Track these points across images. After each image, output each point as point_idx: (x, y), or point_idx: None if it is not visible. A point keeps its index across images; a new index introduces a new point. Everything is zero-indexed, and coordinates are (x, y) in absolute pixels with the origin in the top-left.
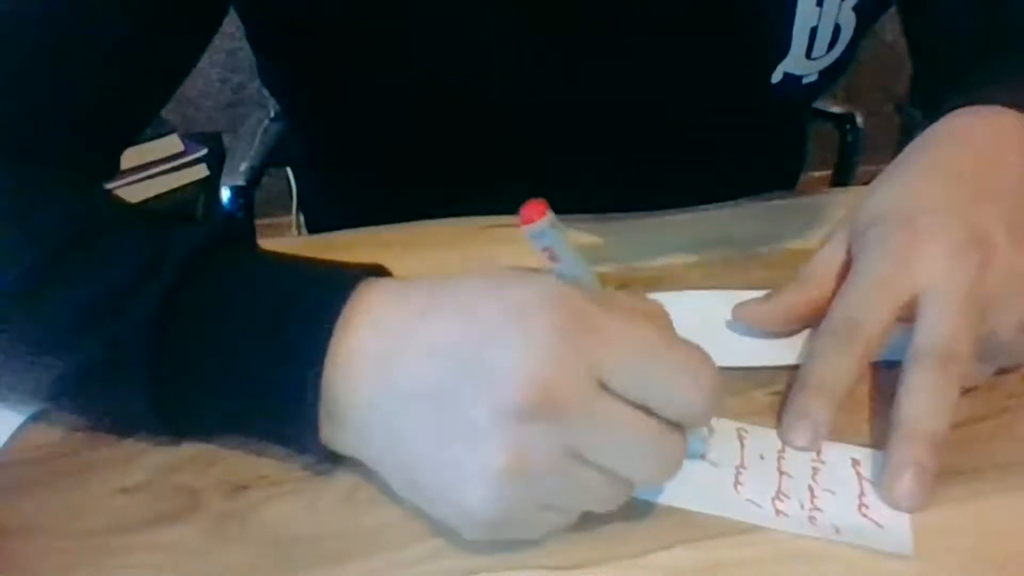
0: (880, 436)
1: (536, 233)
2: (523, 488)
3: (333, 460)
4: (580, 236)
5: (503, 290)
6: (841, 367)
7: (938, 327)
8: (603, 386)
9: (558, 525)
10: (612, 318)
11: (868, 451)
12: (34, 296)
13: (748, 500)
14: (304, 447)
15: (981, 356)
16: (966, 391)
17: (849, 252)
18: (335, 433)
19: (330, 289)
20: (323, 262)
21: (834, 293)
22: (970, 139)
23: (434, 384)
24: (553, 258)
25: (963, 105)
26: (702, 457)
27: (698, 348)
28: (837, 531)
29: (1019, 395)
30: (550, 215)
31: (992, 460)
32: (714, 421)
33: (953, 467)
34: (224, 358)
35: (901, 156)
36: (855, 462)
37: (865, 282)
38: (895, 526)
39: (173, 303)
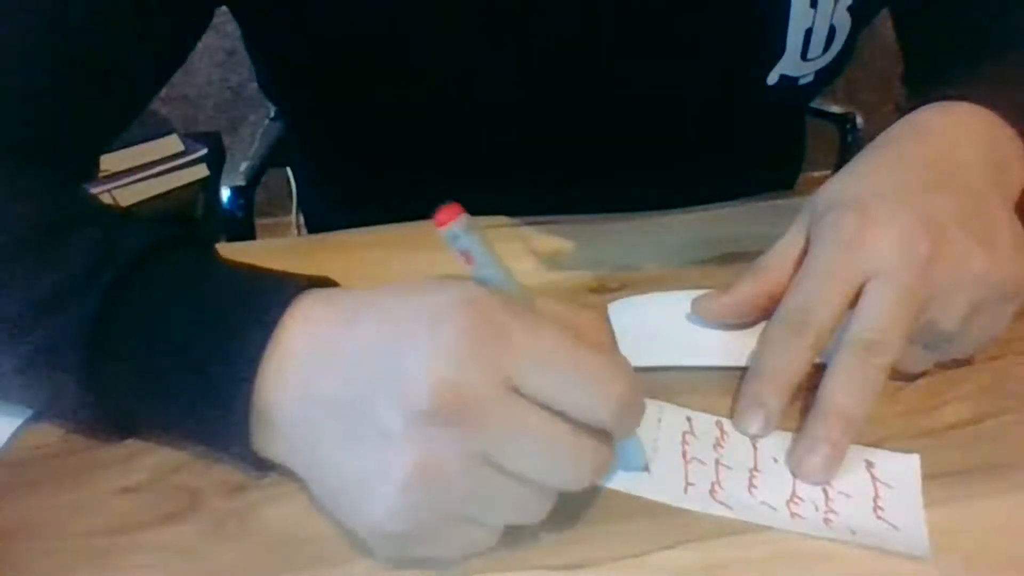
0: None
1: (450, 235)
2: (432, 496)
3: (266, 468)
4: (579, 238)
5: (420, 297)
6: (792, 356)
7: (872, 317)
8: (514, 390)
9: (479, 542)
10: (521, 323)
11: (882, 453)
12: None
13: (763, 503)
14: (237, 453)
15: (924, 343)
16: (913, 377)
17: (807, 239)
18: (268, 440)
19: (270, 297)
20: (269, 271)
21: (791, 280)
22: (930, 133)
23: (351, 391)
24: (469, 261)
25: (930, 101)
26: (644, 469)
27: (614, 355)
28: (853, 533)
29: (1019, 395)
30: (464, 218)
31: (992, 460)
32: (726, 424)
33: (953, 467)
34: (160, 360)
35: (864, 149)
36: (869, 464)
37: (816, 270)
38: (911, 528)
39: (114, 303)
